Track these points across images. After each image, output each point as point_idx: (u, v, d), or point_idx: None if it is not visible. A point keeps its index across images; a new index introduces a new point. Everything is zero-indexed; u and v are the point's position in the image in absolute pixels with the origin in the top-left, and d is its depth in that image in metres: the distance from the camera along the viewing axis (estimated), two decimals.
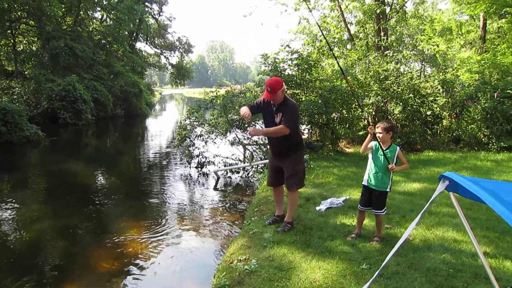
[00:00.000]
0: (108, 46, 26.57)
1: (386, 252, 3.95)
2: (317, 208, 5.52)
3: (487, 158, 9.70)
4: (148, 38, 40.08)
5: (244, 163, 9.75)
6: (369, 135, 4.10)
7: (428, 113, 11.80)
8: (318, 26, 6.05)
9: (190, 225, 5.99)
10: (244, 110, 4.36)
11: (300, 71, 9.72)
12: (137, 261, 4.79)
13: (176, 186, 8.48)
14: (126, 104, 25.54)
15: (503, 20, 20.73)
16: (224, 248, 5.02)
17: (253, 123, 9.17)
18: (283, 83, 4.45)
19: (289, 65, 10.07)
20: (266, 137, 4.71)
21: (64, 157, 12.22)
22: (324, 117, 9.76)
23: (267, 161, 8.51)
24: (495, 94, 11.11)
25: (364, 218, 4.46)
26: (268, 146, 4.97)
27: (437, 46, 14.83)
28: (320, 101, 9.37)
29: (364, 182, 4.33)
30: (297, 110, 4.58)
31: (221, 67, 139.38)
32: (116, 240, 5.37)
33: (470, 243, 4.27)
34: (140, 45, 40.42)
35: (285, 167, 4.64)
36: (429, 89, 12.31)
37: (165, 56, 43.77)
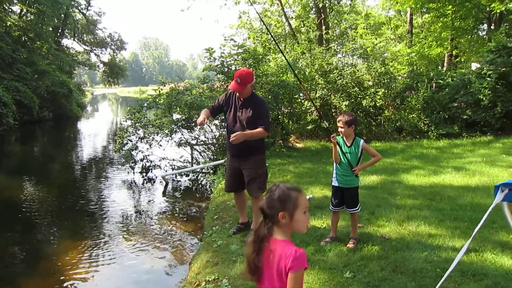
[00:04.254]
0: (30, 43, 24.04)
1: (367, 256, 3.65)
2: None
3: (431, 146, 10.03)
4: (76, 34, 37.22)
5: (192, 165, 9.12)
6: (333, 145, 3.82)
7: (371, 104, 11.97)
8: (261, 19, 5.66)
9: (139, 240, 5.22)
10: (200, 119, 3.97)
11: (247, 65, 9.26)
12: None
13: (118, 195, 7.62)
14: (54, 106, 23.35)
15: (426, 15, 22.05)
16: (185, 264, 4.43)
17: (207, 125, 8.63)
18: (254, 76, 3.99)
19: (235, 59, 9.55)
20: (224, 136, 4.21)
21: None
22: (274, 112, 9.42)
23: (220, 161, 8.02)
24: (433, 84, 11.54)
25: (338, 219, 4.14)
26: (227, 147, 4.46)
27: (375, 39, 15.20)
28: (270, 96, 9.01)
29: (334, 183, 3.99)
30: (268, 108, 4.17)
31: (156, 65, 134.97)
32: (51, 266, 4.53)
33: (445, 236, 4.12)
34: (67, 42, 37.52)
35: (246, 170, 4.17)
36: (370, 80, 12.53)
37: (95, 54, 41.06)
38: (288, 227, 1.62)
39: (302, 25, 16.60)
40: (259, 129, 3.94)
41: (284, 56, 4.94)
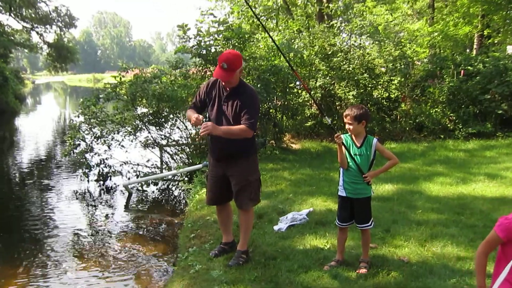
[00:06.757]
0: None
1: (381, 284, 3.70)
2: (276, 227, 5.15)
3: (458, 148, 10.19)
4: (13, 8, 36.70)
5: (162, 171, 9.10)
6: (338, 146, 3.87)
7: (384, 96, 12.07)
8: None
9: (96, 265, 5.21)
10: (195, 118, 3.88)
11: (230, 46, 9.29)
12: None
13: (69, 209, 7.59)
14: None
15: None
16: None
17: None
18: (242, 60, 3.99)
19: (215, 39, 9.56)
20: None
21: None
22: (265, 105, 9.48)
23: (197, 166, 8.02)
24: (462, 71, 11.71)
25: (346, 238, 4.17)
26: (208, 148, 4.46)
27: (390, 15, 15.36)
28: (259, 85, 9.04)
29: (341, 192, 4.00)
30: (259, 102, 4.18)
31: (115, 46, 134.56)
32: None
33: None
34: (1, 17, 37.02)
35: (233, 177, 4.14)
36: (383, 66, 12.64)
37: (37, 32, 40.43)
38: None
39: None
40: (242, 126, 3.90)
41: (272, 39, 4.95)
